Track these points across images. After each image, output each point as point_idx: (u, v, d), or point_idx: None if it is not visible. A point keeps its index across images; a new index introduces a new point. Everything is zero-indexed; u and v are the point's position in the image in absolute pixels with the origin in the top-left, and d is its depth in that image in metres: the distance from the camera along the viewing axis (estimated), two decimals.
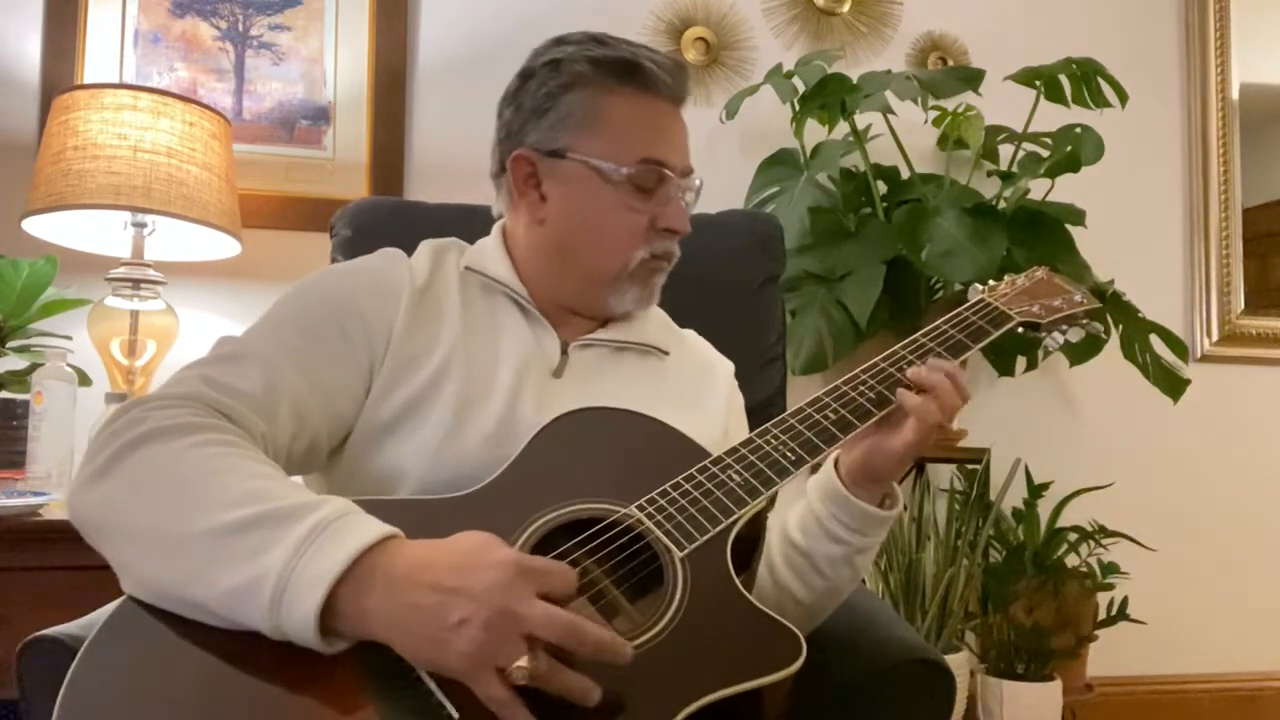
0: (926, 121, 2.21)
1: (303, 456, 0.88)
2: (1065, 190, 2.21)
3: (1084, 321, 1.07)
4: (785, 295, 1.60)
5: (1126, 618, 2.12)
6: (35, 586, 1.33)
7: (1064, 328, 1.06)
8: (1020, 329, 1.03)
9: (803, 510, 0.93)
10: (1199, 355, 2.54)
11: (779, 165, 2.18)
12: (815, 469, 0.92)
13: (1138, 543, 2.18)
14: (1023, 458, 2.16)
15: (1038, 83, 2.09)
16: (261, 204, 1.99)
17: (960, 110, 2.12)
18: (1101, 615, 2.14)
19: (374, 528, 0.69)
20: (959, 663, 1.96)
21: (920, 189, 2.12)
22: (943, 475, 2.25)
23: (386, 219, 1.39)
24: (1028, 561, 2.10)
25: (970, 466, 2.13)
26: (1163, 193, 2.57)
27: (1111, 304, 2.13)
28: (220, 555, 0.67)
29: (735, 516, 0.81)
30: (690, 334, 1.15)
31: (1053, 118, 2.12)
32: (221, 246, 1.80)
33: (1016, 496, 2.21)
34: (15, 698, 0.82)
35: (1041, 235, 2.08)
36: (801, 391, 0.99)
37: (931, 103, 2.08)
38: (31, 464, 1.52)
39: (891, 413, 0.88)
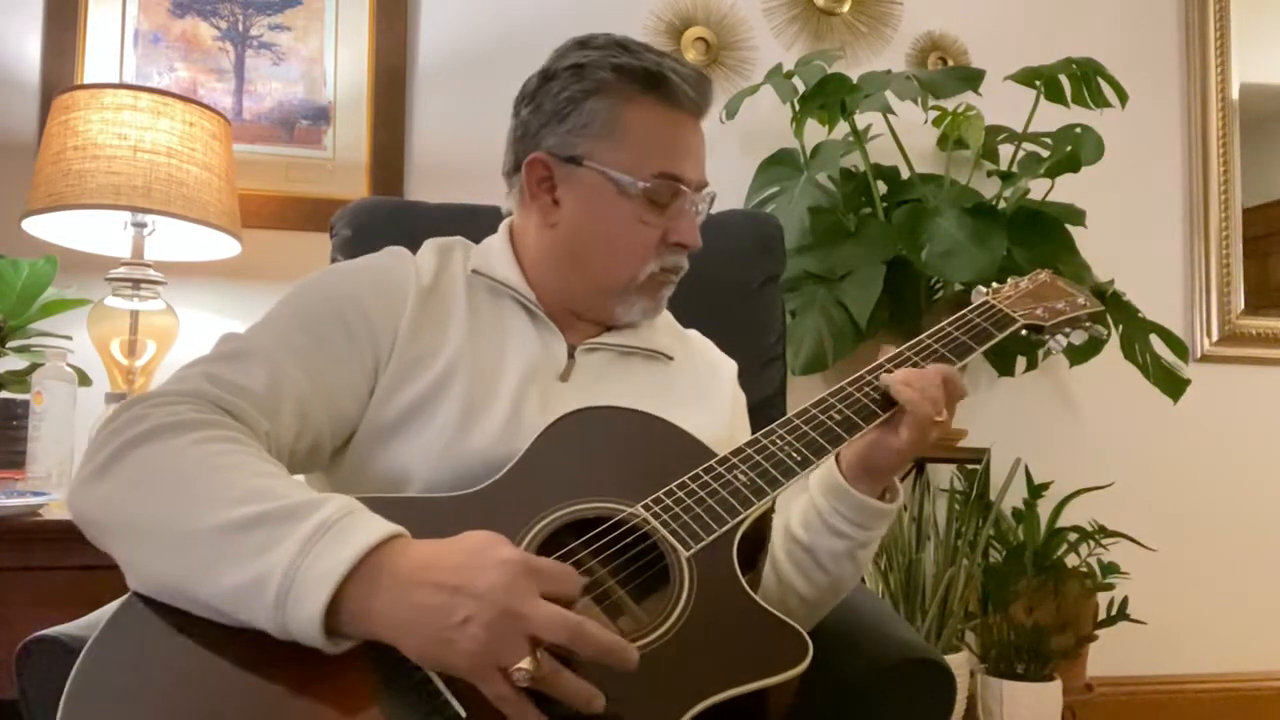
0: (926, 121, 2.21)
1: (306, 455, 0.88)
2: (1065, 190, 2.21)
3: (1087, 324, 1.07)
4: (785, 295, 1.60)
5: (1126, 618, 2.12)
6: (35, 586, 1.33)
7: (1067, 330, 1.06)
8: (1024, 331, 1.03)
9: (805, 505, 0.93)
10: (1199, 355, 2.54)
11: (779, 165, 2.18)
12: None
13: (1138, 543, 2.18)
14: (1023, 458, 2.16)
15: (1038, 83, 2.09)
16: (261, 204, 1.99)
17: (960, 110, 2.12)
18: (1101, 615, 2.14)
19: (379, 526, 0.69)
20: (959, 663, 1.96)
21: (920, 189, 2.12)
22: (943, 475, 2.25)
23: (386, 219, 1.39)
24: (1028, 561, 2.10)
25: (970, 466, 2.13)
26: (1163, 193, 2.57)
27: (1111, 304, 2.13)
28: (224, 553, 0.66)
29: (741, 517, 0.81)
30: (694, 334, 1.15)
31: (1053, 118, 2.12)
32: (221, 246, 1.80)
33: (1016, 496, 2.21)
34: (15, 698, 0.82)
35: (1041, 235, 2.08)
36: (801, 391, 0.99)
37: (931, 103, 2.08)
38: (31, 464, 1.52)
39: (896, 411, 0.88)
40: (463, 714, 0.64)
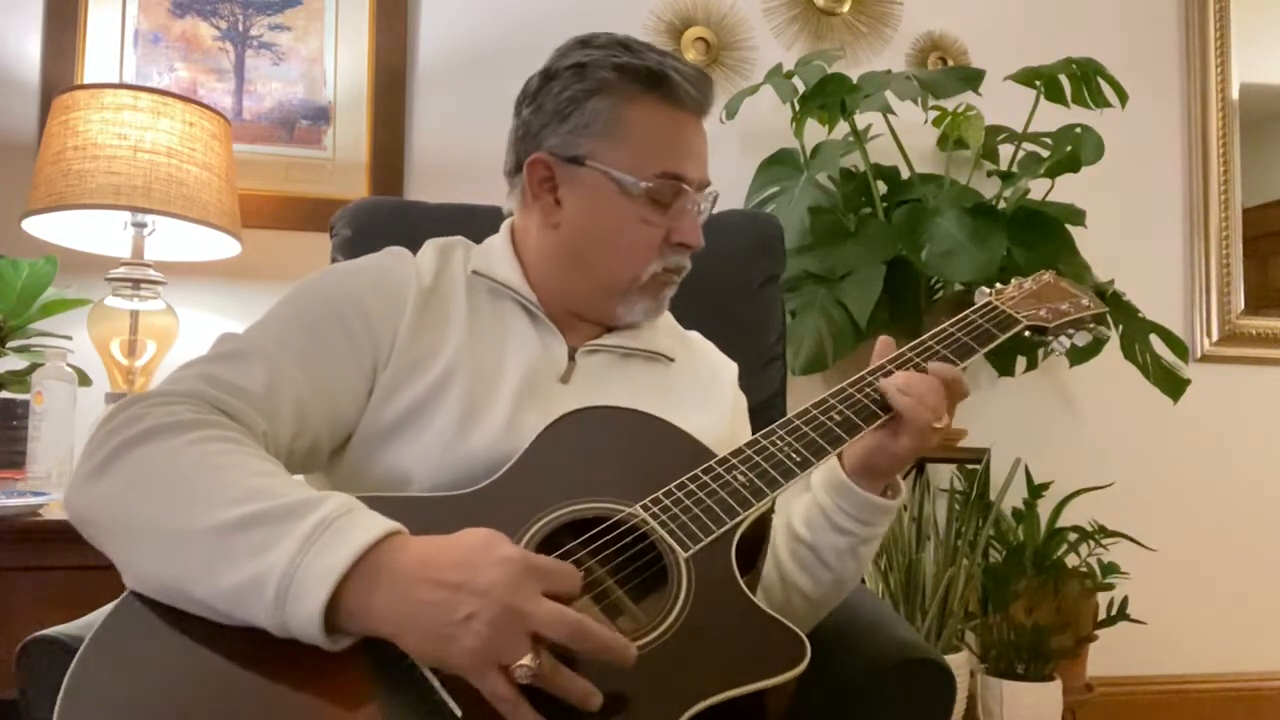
0: (926, 121, 2.21)
1: (304, 456, 0.88)
2: (1065, 190, 2.21)
3: (1090, 325, 1.07)
4: (785, 295, 1.60)
5: (1126, 618, 2.12)
6: (35, 586, 1.33)
7: (1070, 331, 1.05)
8: (1027, 333, 1.03)
9: (807, 504, 0.93)
10: (1199, 355, 2.54)
11: (779, 165, 2.18)
12: None
13: (1138, 543, 2.18)
14: (1023, 458, 2.16)
15: (1038, 83, 2.09)
16: (261, 204, 1.99)
17: (960, 110, 2.12)
18: (1101, 615, 2.14)
19: (378, 524, 0.69)
20: (959, 663, 1.96)
21: (920, 189, 2.12)
22: (943, 475, 2.25)
23: (386, 219, 1.39)
24: (1028, 561, 2.10)
25: (970, 466, 2.13)
26: (1163, 193, 2.57)
27: (1111, 304, 2.13)
28: (223, 552, 0.66)
29: (740, 517, 0.81)
30: (695, 335, 1.15)
31: (1053, 118, 2.12)
32: (221, 246, 1.80)
33: (1016, 496, 2.21)
34: (15, 698, 0.82)
35: (1041, 235, 2.08)
36: (801, 391, 0.99)
37: (931, 103, 2.08)
38: (31, 464, 1.52)
39: (896, 415, 0.88)
40: (459, 713, 0.64)
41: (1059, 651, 2.03)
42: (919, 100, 2.01)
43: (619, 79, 0.95)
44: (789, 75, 2.09)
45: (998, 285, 1.09)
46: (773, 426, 0.89)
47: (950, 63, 2.41)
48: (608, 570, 0.77)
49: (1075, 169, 2.08)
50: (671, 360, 1.06)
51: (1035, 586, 2.07)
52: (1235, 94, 2.60)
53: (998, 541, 2.18)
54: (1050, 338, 1.05)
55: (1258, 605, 2.54)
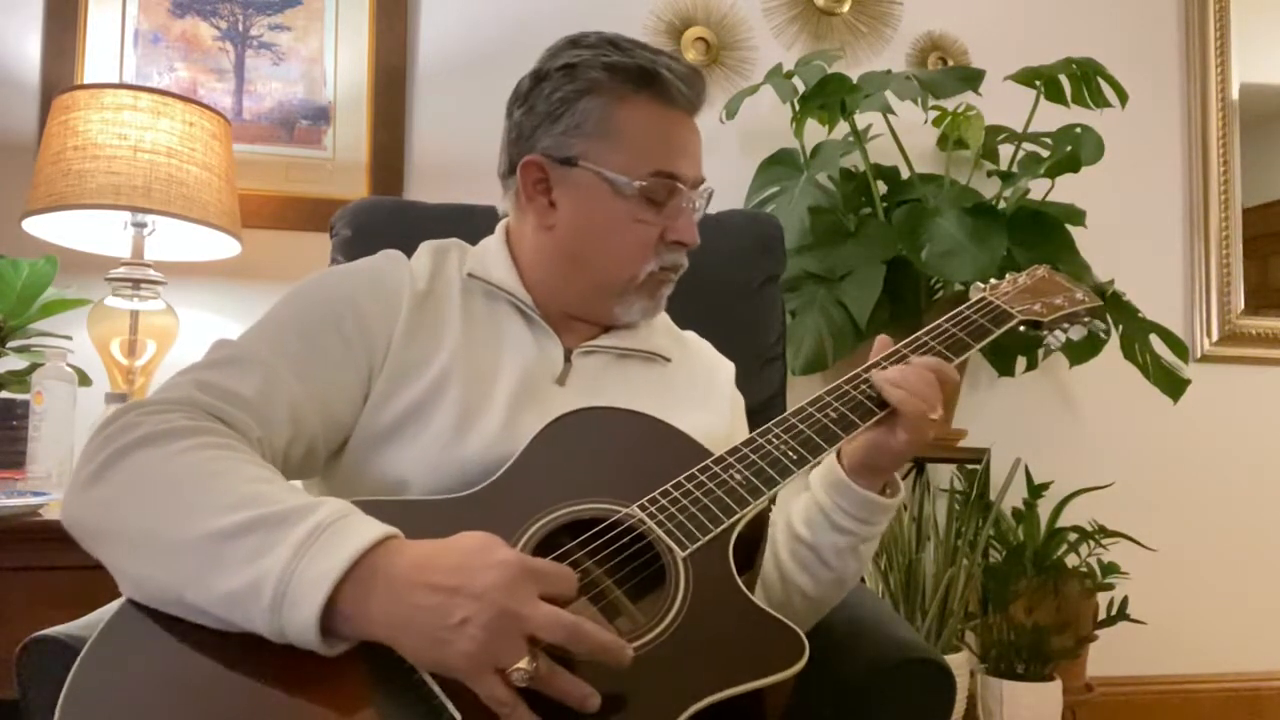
0: (926, 121, 2.21)
1: (300, 461, 0.88)
2: (1065, 190, 2.21)
3: (1086, 319, 1.07)
4: (785, 295, 1.60)
5: (1126, 618, 2.12)
6: (35, 586, 1.33)
7: (1066, 326, 1.06)
8: (1022, 327, 1.03)
9: (806, 503, 0.93)
10: (1199, 355, 2.54)
11: (779, 165, 2.18)
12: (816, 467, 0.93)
13: (1138, 543, 2.18)
14: (1023, 458, 2.16)
15: (1038, 83, 2.09)
16: (261, 204, 1.99)
17: (960, 110, 2.12)
18: (1101, 615, 2.14)
19: (373, 528, 0.69)
20: (959, 663, 1.96)
21: (920, 189, 2.12)
22: (943, 475, 2.25)
23: (386, 219, 1.39)
24: (1028, 561, 2.10)
25: (970, 466, 2.13)
26: (1163, 193, 2.57)
27: (1111, 304, 2.13)
28: (219, 559, 0.66)
29: (737, 516, 0.81)
30: (691, 335, 1.15)
31: (1053, 118, 2.12)
32: (221, 246, 1.80)
33: (1016, 496, 2.21)
34: (15, 698, 0.82)
35: (1041, 235, 2.08)
36: (801, 391, 0.99)
37: (931, 103, 2.08)
38: (31, 464, 1.52)
39: (892, 410, 0.88)
40: (456, 715, 0.64)
41: (1059, 651, 2.03)
42: (919, 100, 2.01)
43: (609, 78, 0.94)
44: (789, 75, 2.09)
45: (992, 280, 1.09)
46: (769, 425, 0.89)
47: (950, 63, 2.41)
48: (605, 571, 0.77)
49: (1075, 169, 2.08)
50: (668, 360, 1.06)
51: (1035, 586, 2.07)
52: (1235, 94, 2.59)
53: (998, 541, 2.18)
54: (1045, 332, 1.05)
55: (1258, 605, 2.54)
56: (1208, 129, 2.57)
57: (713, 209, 1.45)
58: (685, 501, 0.82)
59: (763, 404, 1.34)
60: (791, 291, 1.98)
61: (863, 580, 1.08)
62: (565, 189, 0.97)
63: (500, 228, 1.07)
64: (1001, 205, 2.13)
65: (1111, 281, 2.18)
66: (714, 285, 1.39)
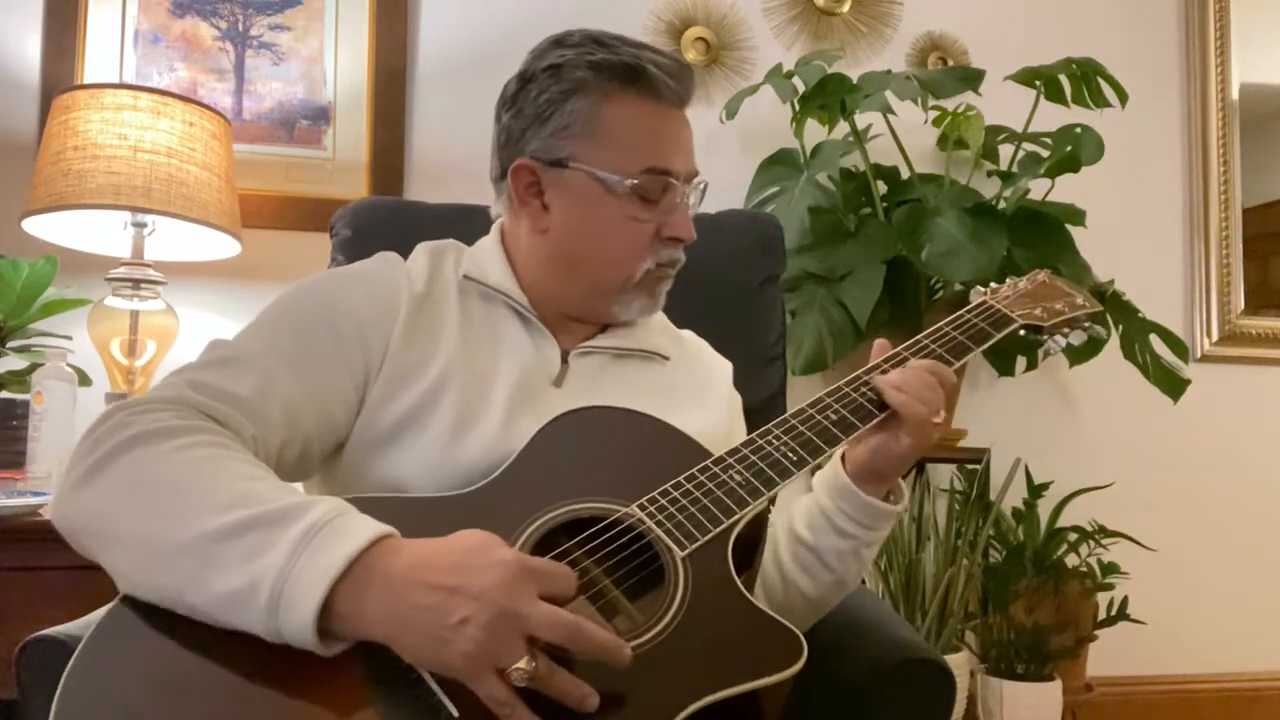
0: (926, 121, 2.20)
1: (294, 462, 0.87)
2: (1065, 190, 2.21)
3: (1086, 324, 1.07)
4: (785, 295, 1.60)
5: (1126, 618, 2.12)
6: (35, 586, 1.33)
7: (1066, 330, 1.06)
8: (1022, 331, 1.03)
9: (809, 506, 0.93)
10: (1199, 355, 2.54)
11: (779, 165, 2.18)
12: (816, 469, 0.92)
13: (1138, 543, 2.18)
14: (1023, 458, 2.16)
15: (1038, 83, 2.09)
16: (261, 204, 1.99)
17: (960, 110, 2.12)
18: (1101, 615, 2.14)
19: (369, 527, 0.68)
20: (959, 663, 1.96)
21: (920, 189, 2.12)
22: (943, 475, 2.25)
23: (386, 219, 1.39)
24: (1028, 561, 2.10)
25: (970, 466, 2.13)
26: (1163, 193, 2.57)
27: (1111, 304, 2.13)
28: (214, 560, 0.66)
29: (737, 517, 0.81)
30: (688, 334, 1.15)
31: (1053, 118, 2.12)
32: (221, 246, 1.80)
33: (1016, 496, 2.21)
34: (15, 698, 0.82)
35: (1041, 235, 2.08)
36: (801, 391, 0.99)
37: (931, 103, 2.08)
38: (31, 464, 1.52)
39: (893, 414, 0.88)
40: (455, 714, 0.64)
41: (1059, 651, 2.03)
42: (919, 100, 2.01)
43: (595, 77, 0.94)
44: (789, 75, 2.09)
45: (993, 284, 1.09)
46: (769, 426, 0.89)
47: (950, 63, 2.41)
48: (604, 570, 0.77)
49: (1075, 169, 2.08)
50: (666, 359, 1.06)
51: (1035, 586, 2.07)
52: (1235, 94, 2.59)
53: (998, 541, 2.18)
54: (1046, 337, 1.05)
55: (1258, 605, 2.54)
56: (1208, 129, 2.57)
57: (713, 209, 1.46)
58: (684, 501, 0.81)
59: (762, 404, 1.34)
60: (791, 291, 1.98)
61: (863, 581, 1.08)
62: (557, 191, 0.97)
63: (495, 228, 1.07)
64: (1001, 205, 2.13)
65: (1111, 281, 2.18)
66: (714, 285, 1.39)
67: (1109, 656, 2.27)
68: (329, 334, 0.90)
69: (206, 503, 0.69)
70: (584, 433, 0.89)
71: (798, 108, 2.10)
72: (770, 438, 0.87)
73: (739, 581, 0.78)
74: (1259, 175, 2.61)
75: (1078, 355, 2.13)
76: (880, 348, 0.96)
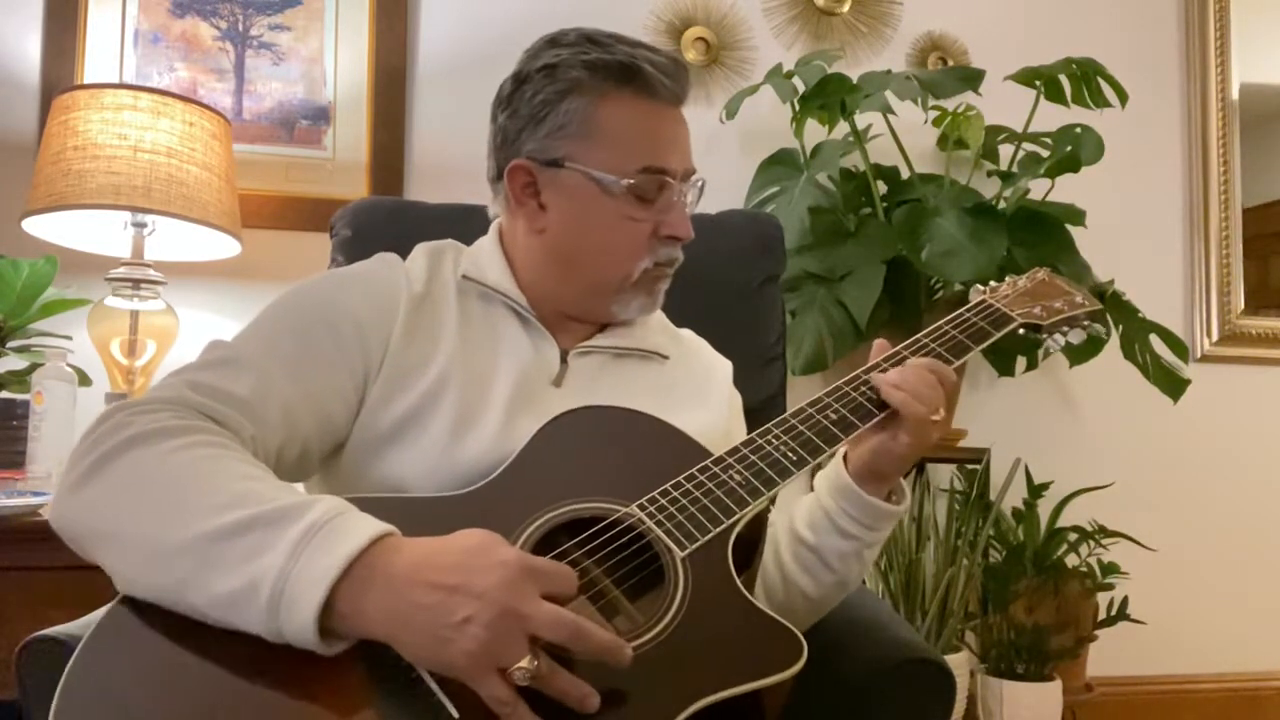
0: (926, 121, 2.20)
1: (293, 463, 0.87)
2: (1065, 190, 2.21)
3: (1085, 323, 1.07)
4: (785, 295, 1.60)
5: (1126, 618, 2.12)
6: (35, 586, 1.33)
7: (1065, 329, 1.06)
8: (1021, 330, 1.03)
9: (810, 507, 0.93)
10: (1199, 355, 2.54)
11: (779, 165, 2.18)
12: (816, 469, 0.92)
13: (1138, 543, 2.18)
14: (1023, 458, 2.16)
15: (1038, 83, 2.09)
16: (261, 204, 1.99)
17: (960, 110, 2.12)
18: (1101, 615, 2.14)
19: (370, 526, 0.68)
20: (959, 663, 1.96)
21: (920, 189, 2.12)
22: (943, 475, 2.25)
23: (386, 219, 1.39)
24: (1028, 561, 2.10)
25: (970, 466, 2.13)
26: (1163, 193, 2.57)
27: (1111, 304, 2.13)
28: (214, 560, 0.66)
29: (737, 517, 0.81)
30: (687, 334, 1.15)
31: (1053, 118, 2.12)
32: (221, 246, 1.80)
33: (1016, 496, 2.21)
34: (15, 698, 0.82)
35: (1041, 235, 2.08)
36: (801, 391, 0.99)
37: (931, 103, 2.08)
38: (31, 464, 1.52)
39: (893, 413, 0.88)
40: (455, 714, 0.64)
41: (1059, 651, 2.03)
42: (919, 100, 2.01)
43: (590, 77, 0.94)
44: (789, 75, 2.09)
45: (992, 283, 1.09)
46: (768, 425, 0.89)
47: (950, 63, 2.41)
48: (604, 570, 0.77)
49: (1075, 169, 2.08)
50: (665, 358, 1.05)
51: (1035, 586, 2.07)
52: (1235, 94, 2.59)
53: (998, 541, 2.18)
54: (1045, 335, 1.05)
55: (1258, 605, 2.54)
56: (1208, 129, 2.57)
57: (713, 209, 1.46)
58: (684, 501, 0.81)
59: (762, 404, 1.34)
60: (791, 291, 1.98)
61: (863, 581, 1.08)
62: (554, 191, 0.96)
63: (493, 228, 1.07)
64: (1001, 205, 2.13)
65: (1111, 281, 2.18)
66: (714, 285, 1.39)
67: (1109, 656, 2.28)
68: (328, 335, 0.89)
69: (206, 503, 0.68)
70: (583, 432, 0.89)
71: (798, 108, 2.10)
72: (770, 437, 0.87)
73: (739, 581, 0.78)
74: (1259, 175, 2.61)
75: (1078, 355, 2.13)
76: (880, 347, 0.95)
